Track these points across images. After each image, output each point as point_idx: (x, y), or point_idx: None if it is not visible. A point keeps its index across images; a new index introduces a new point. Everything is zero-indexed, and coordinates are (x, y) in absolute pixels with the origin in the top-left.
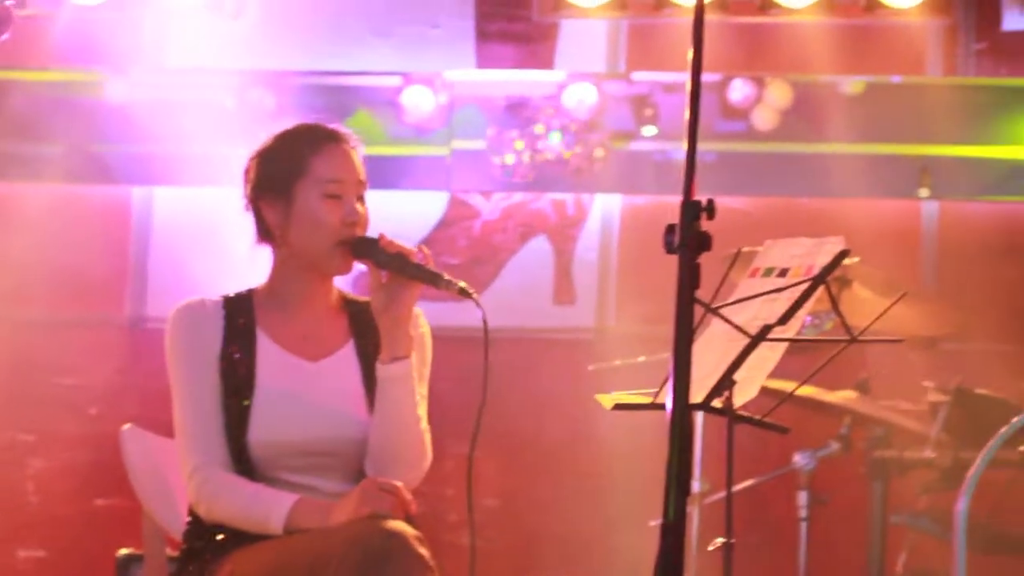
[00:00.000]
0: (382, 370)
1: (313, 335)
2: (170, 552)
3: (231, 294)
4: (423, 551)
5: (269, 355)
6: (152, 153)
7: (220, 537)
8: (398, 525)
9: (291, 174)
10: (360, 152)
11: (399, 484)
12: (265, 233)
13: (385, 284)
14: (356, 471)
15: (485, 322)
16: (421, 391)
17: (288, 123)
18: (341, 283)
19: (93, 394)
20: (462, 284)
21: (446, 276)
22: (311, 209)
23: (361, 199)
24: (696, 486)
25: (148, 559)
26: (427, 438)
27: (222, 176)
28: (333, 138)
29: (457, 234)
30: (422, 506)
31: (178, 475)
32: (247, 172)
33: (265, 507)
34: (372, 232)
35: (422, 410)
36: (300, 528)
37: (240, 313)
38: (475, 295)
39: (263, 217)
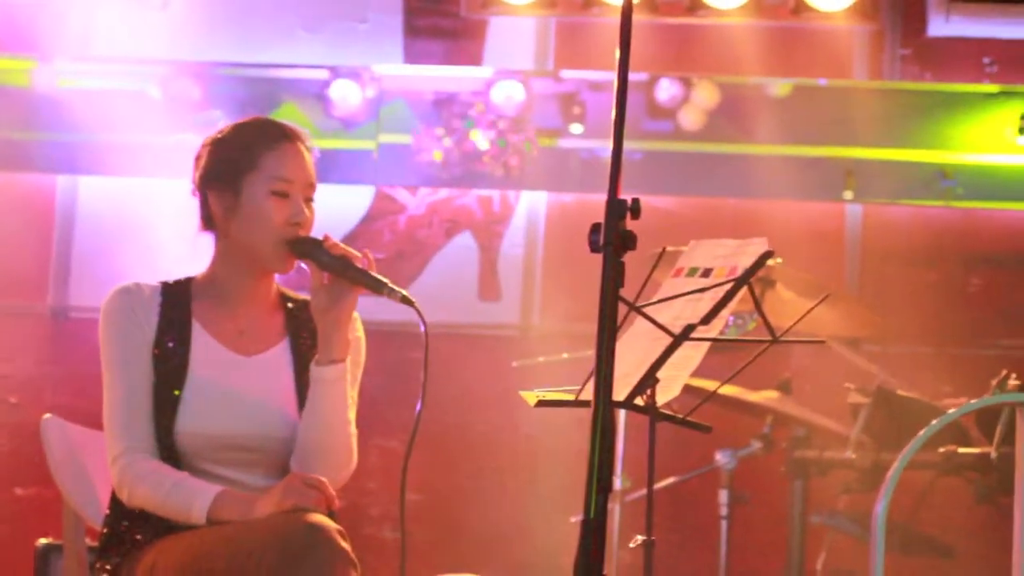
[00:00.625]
0: (317, 371)
1: (249, 330)
2: (90, 542)
3: (170, 281)
4: (345, 545)
5: (203, 347)
6: (77, 142)
7: (139, 537)
8: (320, 519)
9: (241, 166)
10: (314, 154)
11: (323, 479)
12: (209, 222)
13: (326, 286)
14: (281, 468)
15: (426, 334)
16: (352, 395)
17: (247, 116)
18: (281, 280)
19: (14, 383)
20: (404, 292)
21: (389, 283)
22: (257, 204)
23: (309, 200)
24: (618, 483)
25: (68, 549)
26: (354, 442)
27: (147, 166)
28: (288, 136)
29: (382, 228)
30: (344, 499)
31: (99, 465)
32: (198, 158)
33: (188, 496)
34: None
35: (352, 413)
36: (222, 519)
37: (177, 302)
38: (417, 304)
39: (209, 206)
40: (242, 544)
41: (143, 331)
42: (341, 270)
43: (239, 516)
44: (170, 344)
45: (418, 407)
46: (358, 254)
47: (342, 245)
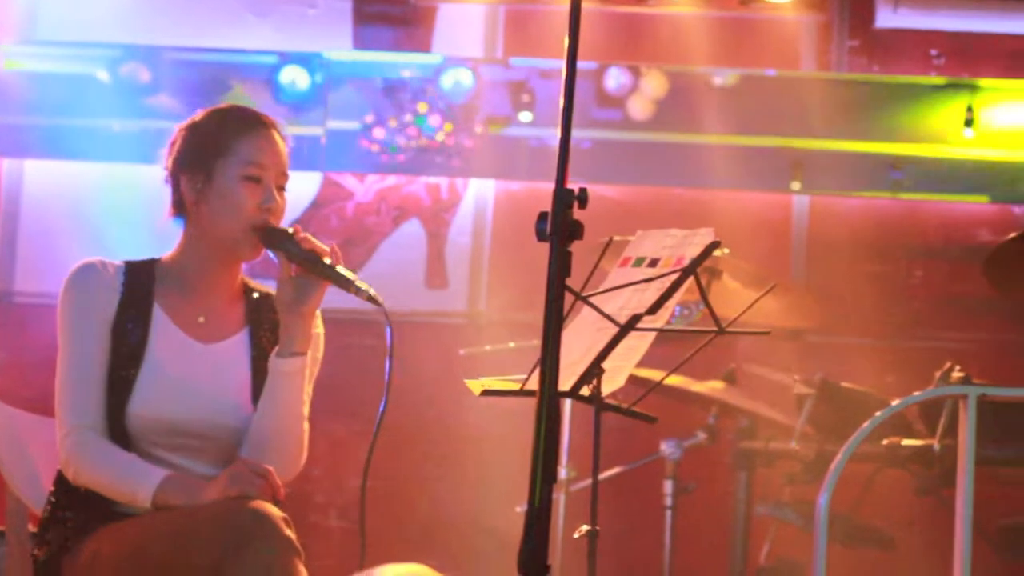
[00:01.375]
0: (276, 363)
1: (209, 318)
2: (32, 529)
3: (135, 260)
4: (289, 533)
5: (162, 331)
6: (23, 125)
7: (79, 522)
8: (265, 506)
9: (215, 150)
10: (288, 143)
11: (270, 468)
12: (180, 207)
13: (293, 278)
14: (230, 457)
15: (391, 334)
16: (308, 390)
17: (224, 103)
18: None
19: None
20: (371, 292)
21: (356, 281)
22: (228, 188)
23: (281, 189)
24: (563, 473)
25: (10, 536)
26: (306, 437)
27: (95, 150)
28: (262, 123)
29: (330, 215)
30: (289, 486)
31: (42, 451)
32: (172, 143)
33: (135, 477)
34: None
35: (306, 409)
36: (168, 503)
37: (139, 283)
38: (383, 304)
39: (180, 190)
40: (186, 531)
41: (103, 309)
42: (310, 264)
43: (184, 501)
44: (129, 325)
45: (381, 408)
46: (327, 248)
47: (312, 239)
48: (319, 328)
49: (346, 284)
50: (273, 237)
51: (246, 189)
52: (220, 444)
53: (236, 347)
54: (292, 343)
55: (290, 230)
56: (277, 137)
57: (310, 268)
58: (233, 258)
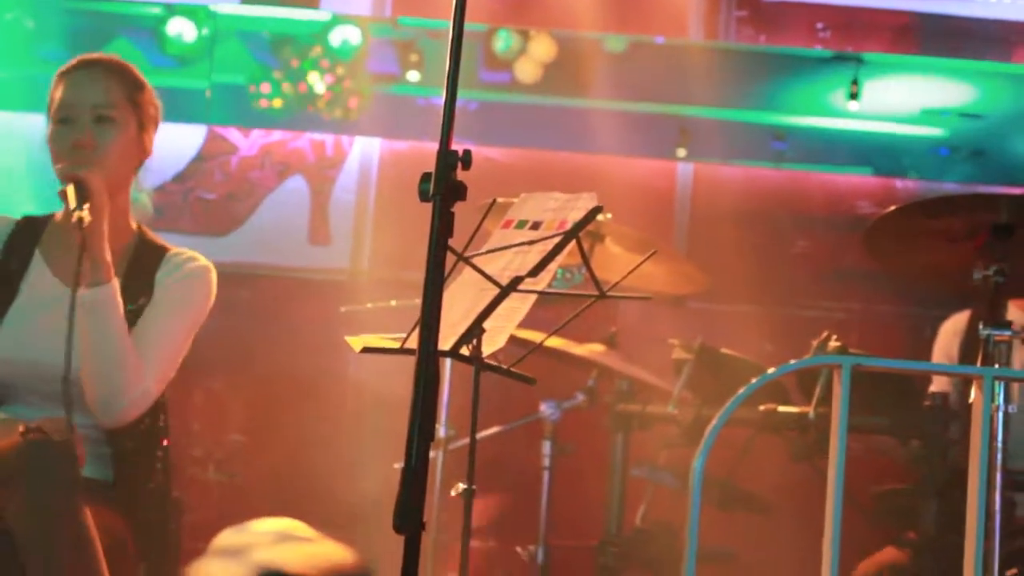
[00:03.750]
0: (80, 296)
1: (85, 267)
2: None
3: (33, 215)
4: (73, 471)
5: (37, 278)
6: None
7: None
8: (48, 444)
9: (49, 104)
10: (121, 75)
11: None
12: None
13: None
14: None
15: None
16: (171, 332)
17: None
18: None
19: None
20: (84, 215)
21: (81, 211)
22: (50, 135)
23: (101, 120)
24: (441, 432)
25: None
26: (148, 372)
27: None
28: (80, 65)
29: (213, 169)
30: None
31: None
32: None
33: None
34: None
35: (153, 343)
36: None
37: (29, 232)
38: (86, 219)
39: None
40: None
41: None
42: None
43: None
44: (12, 267)
45: None
46: (86, 177)
47: (81, 170)
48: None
49: (77, 207)
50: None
51: (59, 132)
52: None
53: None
54: (89, 273)
55: (75, 159)
56: (100, 72)
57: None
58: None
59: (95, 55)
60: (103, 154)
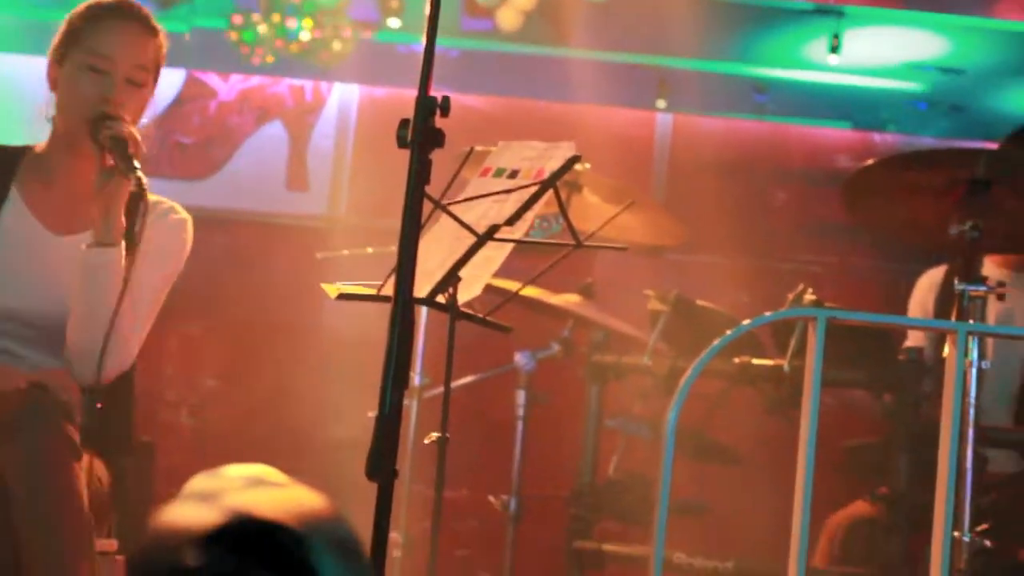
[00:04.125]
0: (85, 255)
1: (64, 209)
2: None
3: (6, 145)
4: (67, 428)
5: (14, 214)
6: None
7: None
8: (41, 399)
9: (71, 39)
10: (156, 38)
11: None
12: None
13: (105, 167)
14: (61, 349)
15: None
16: (155, 292)
17: None
18: None
19: None
20: (144, 184)
21: (135, 173)
22: (73, 77)
23: (133, 83)
24: (416, 380)
25: None
26: (132, 337)
27: None
28: (122, 15)
29: (192, 113)
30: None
31: None
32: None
33: None
34: None
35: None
36: None
37: (5, 165)
38: (147, 186)
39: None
40: None
41: None
42: (111, 150)
43: None
44: None
45: None
46: (126, 133)
47: (121, 127)
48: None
49: (127, 170)
50: (92, 124)
51: (88, 79)
52: (51, 335)
53: (81, 243)
54: (101, 233)
55: (109, 115)
56: (137, 29)
57: (117, 157)
58: (79, 149)
59: (130, 5)
60: (126, 116)
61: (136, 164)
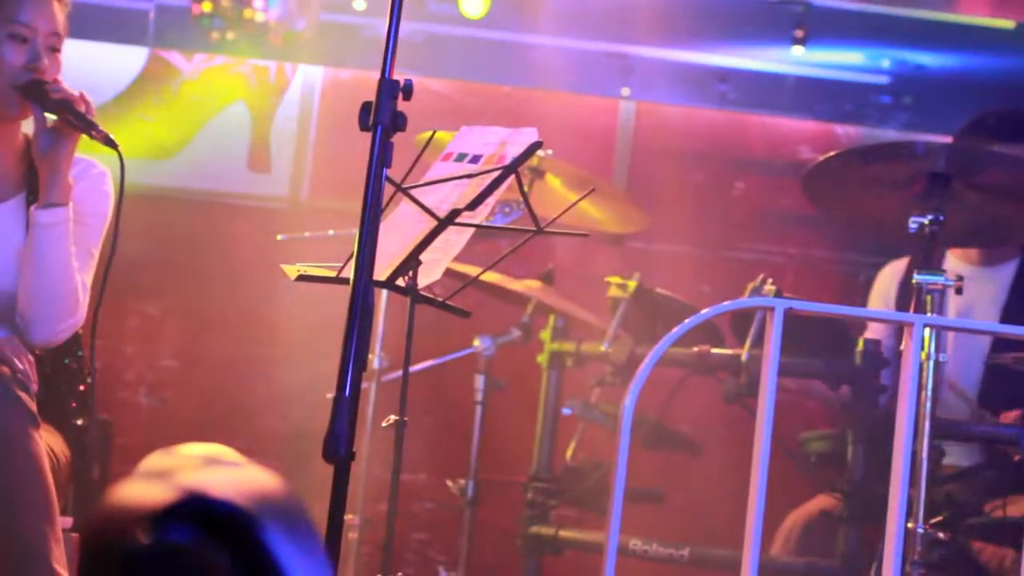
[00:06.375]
0: (35, 215)
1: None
2: None
3: None
4: (24, 398)
5: None
6: None
7: None
8: (10, 372)
9: None
10: (65, 6)
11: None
12: None
13: (48, 129)
14: (8, 321)
15: (123, 177)
16: (89, 247)
17: None
18: None
19: None
20: (110, 135)
21: (98, 126)
22: None
23: (53, 50)
24: (376, 363)
25: None
26: (81, 295)
27: None
28: None
29: (154, 92)
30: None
31: None
32: None
33: None
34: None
35: (89, 267)
36: None
37: None
38: (119, 148)
39: None
40: None
41: None
42: (60, 112)
43: None
44: None
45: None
46: (76, 95)
47: (65, 88)
48: (106, 187)
49: (87, 128)
50: (29, 89)
51: (11, 48)
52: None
53: (11, 209)
54: (50, 194)
55: (45, 81)
56: (53, 0)
57: (61, 116)
58: (3, 115)
59: None
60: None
61: (95, 121)
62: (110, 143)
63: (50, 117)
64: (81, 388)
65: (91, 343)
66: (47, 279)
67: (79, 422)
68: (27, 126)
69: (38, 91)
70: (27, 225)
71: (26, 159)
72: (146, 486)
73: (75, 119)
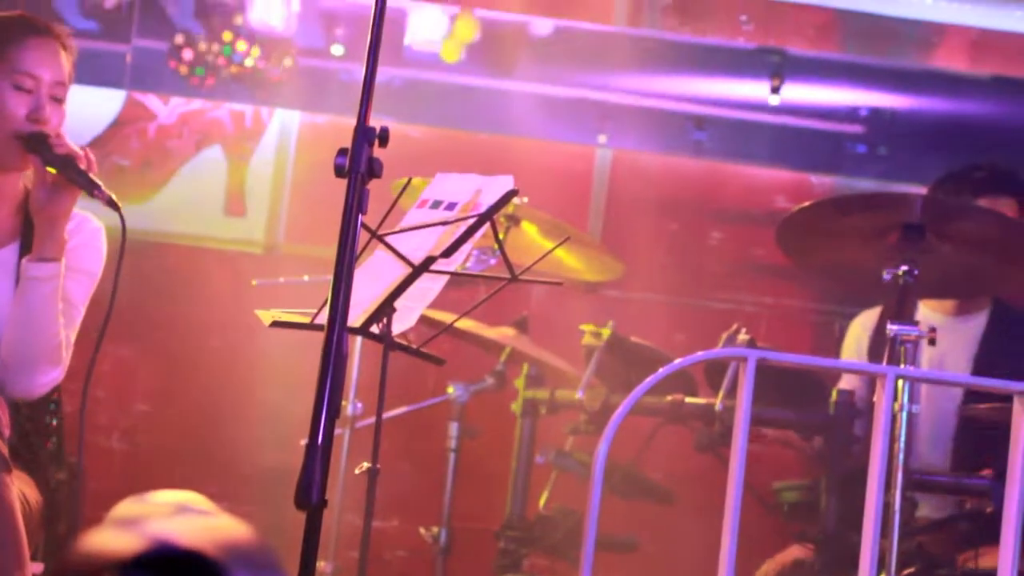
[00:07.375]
0: (26, 267)
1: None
2: None
3: None
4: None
5: None
6: None
7: None
8: None
9: None
10: (71, 55)
11: None
12: None
13: (48, 183)
14: None
15: (124, 237)
16: (77, 304)
17: (16, 10)
18: None
19: None
20: (112, 196)
21: (101, 186)
22: None
23: (57, 100)
24: (350, 409)
25: None
26: (64, 351)
27: None
28: (39, 31)
29: (131, 135)
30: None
31: None
32: None
33: None
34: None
35: (73, 322)
36: None
37: None
38: (121, 209)
39: None
40: None
41: None
42: (62, 168)
43: None
44: None
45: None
46: (80, 154)
47: (69, 143)
48: (100, 243)
49: (89, 188)
50: (31, 141)
51: (15, 98)
52: None
53: (3, 259)
54: (44, 248)
55: (47, 133)
56: (57, 48)
57: (62, 171)
58: (3, 166)
59: (47, 23)
60: (60, 133)
61: (98, 180)
62: (112, 205)
63: (51, 171)
64: (53, 414)
65: (84, 392)
66: (31, 332)
67: (59, 476)
68: (28, 175)
69: (40, 144)
70: (16, 276)
71: (23, 210)
72: (115, 534)
73: (77, 177)
